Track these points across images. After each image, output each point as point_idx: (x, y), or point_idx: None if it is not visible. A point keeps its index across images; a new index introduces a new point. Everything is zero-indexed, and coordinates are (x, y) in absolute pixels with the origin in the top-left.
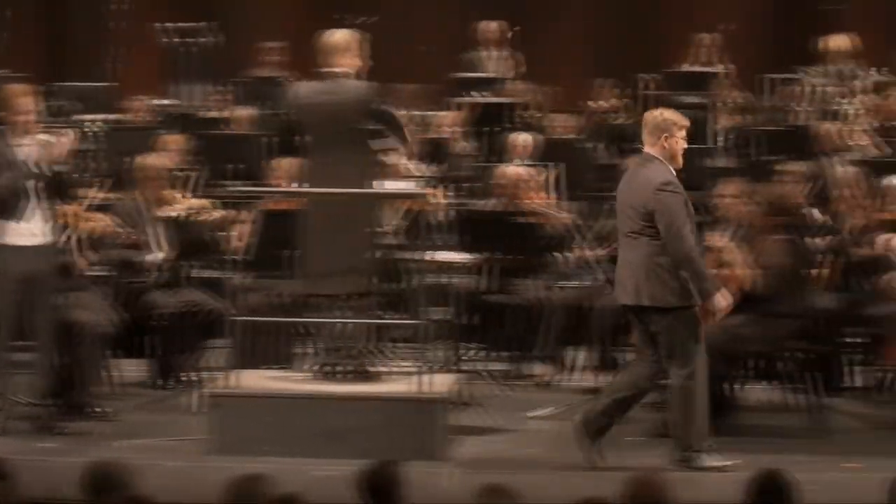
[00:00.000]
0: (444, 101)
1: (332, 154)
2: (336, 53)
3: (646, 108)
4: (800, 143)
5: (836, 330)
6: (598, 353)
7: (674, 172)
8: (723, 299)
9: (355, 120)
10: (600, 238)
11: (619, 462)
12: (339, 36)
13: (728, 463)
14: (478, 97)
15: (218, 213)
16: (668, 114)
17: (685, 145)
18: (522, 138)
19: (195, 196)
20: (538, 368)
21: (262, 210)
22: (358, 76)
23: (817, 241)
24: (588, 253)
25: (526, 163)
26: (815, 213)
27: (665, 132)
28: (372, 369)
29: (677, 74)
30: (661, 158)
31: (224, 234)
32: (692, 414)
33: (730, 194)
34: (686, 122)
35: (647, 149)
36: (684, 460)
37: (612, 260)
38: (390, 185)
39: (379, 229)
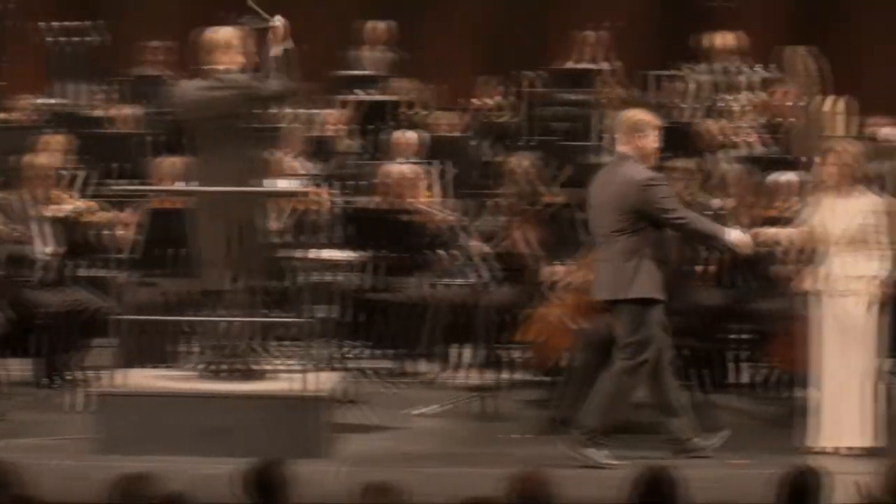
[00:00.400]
0: (328, 99)
1: (216, 152)
2: (218, 51)
3: (530, 106)
4: (685, 140)
5: (721, 326)
6: (482, 351)
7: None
8: (736, 233)
9: (240, 117)
10: (485, 235)
11: (505, 459)
12: (221, 34)
13: (616, 463)
14: (362, 95)
15: (104, 215)
16: (642, 114)
17: (657, 146)
18: (407, 136)
19: (82, 196)
20: (423, 366)
21: (148, 209)
22: (241, 73)
23: None
24: (474, 250)
25: (410, 161)
26: (715, 201)
27: (638, 132)
28: (257, 368)
29: (561, 72)
30: (634, 157)
31: (110, 233)
32: (614, 405)
33: None
34: (659, 123)
35: (620, 148)
36: (581, 442)
37: (498, 257)
38: (275, 184)
39: (264, 227)
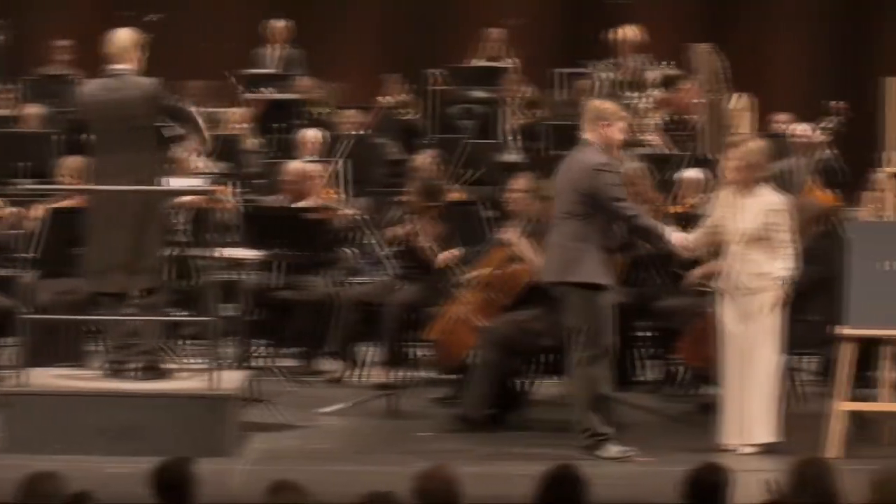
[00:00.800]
0: (232, 97)
1: (118, 151)
2: (120, 51)
3: (434, 104)
4: None
5: (626, 323)
6: (387, 349)
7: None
8: (677, 234)
9: (142, 117)
10: (390, 233)
11: (411, 457)
12: (122, 34)
13: (631, 452)
14: (266, 94)
15: (8, 212)
16: (609, 104)
17: (623, 138)
18: (311, 134)
19: None
20: (328, 364)
21: (51, 208)
22: (142, 73)
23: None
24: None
25: (314, 159)
26: None
27: (603, 120)
28: (162, 366)
29: (466, 69)
30: (597, 145)
31: (14, 232)
32: (594, 398)
33: (519, 189)
34: (626, 116)
35: (585, 135)
36: (589, 447)
37: (402, 255)
38: (179, 182)
39: (168, 226)
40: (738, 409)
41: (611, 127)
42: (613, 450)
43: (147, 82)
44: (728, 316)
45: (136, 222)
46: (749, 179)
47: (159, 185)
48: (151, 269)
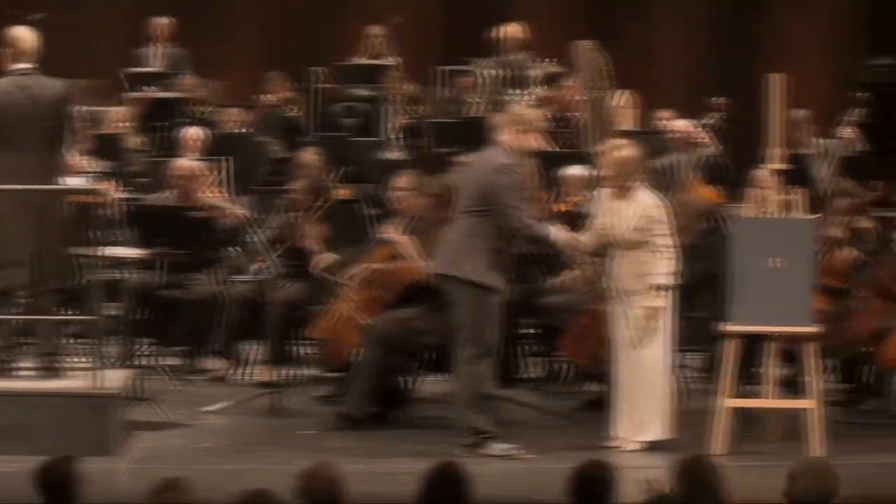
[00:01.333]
0: (115, 96)
1: (20, 150)
2: (26, 50)
3: (317, 102)
4: (473, 134)
5: (511, 321)
6: (271, 347)
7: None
8: (563, 234)
9: (53, 117)
10: (273, 231)
11: (295, 455)
12: (24, 32)
13: (514, 451)
14: (149, 92)
15: None
16: (528, 111)
17: (535, 147)
18: (193, 133)
19: None
20: (212, 363)
21: None
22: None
23: None
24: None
25: (198, 157)
26: None
27: (520, 126)
28: (48, 366)
29: (348, 67)
30: (508, 148)
31: None
32: (478, 396)
33: (403, 187)
34: (542, 125)
35: (499, 136)
36: (473, 445)
37: (286, 253)
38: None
39: (62, 226)
40: (627, 407)
41: (526, 134)
42: (497, 448)
43: (59, 83)
44: (616, 314)
45: (25, 221)
46: (622, 185)
47: (55, 184)
48: (56, 269)
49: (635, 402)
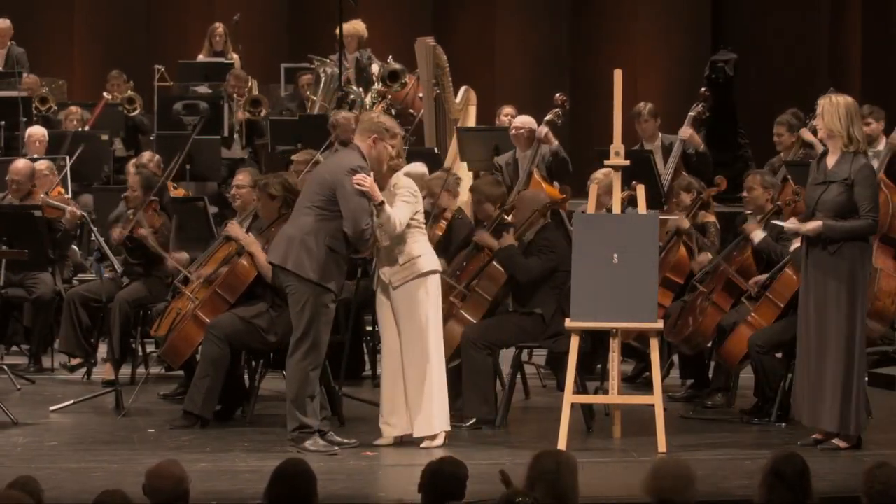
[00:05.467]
0: None
1: None
2: None
3: (160, 99)
4: (315, 131)
5: (358, 318)
6: (115, 346)
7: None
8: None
9: None
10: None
11: (141, 453)
12: None
13: (335, 448)
14: None
15: None
16: (385, 119)
17: (393, 154)
18: (36, 132)
19: None
20: (56, 362)
21: None
22: None
23: None
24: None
25: (40, 157)
26: None
27: (375, 134)
28: None
29: (190, 65)
30: (362, 153)
31: None
32: (305, 392)
33: (243, 184)
34: (399, 132)
35: (355, 140)
36: (294, 440)
37: (129, 251)
38: None
39: None
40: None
41: (382, 142)
42: (320, 442)
43: None
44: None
45: None
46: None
47: None
48: None
49: (411, 398)
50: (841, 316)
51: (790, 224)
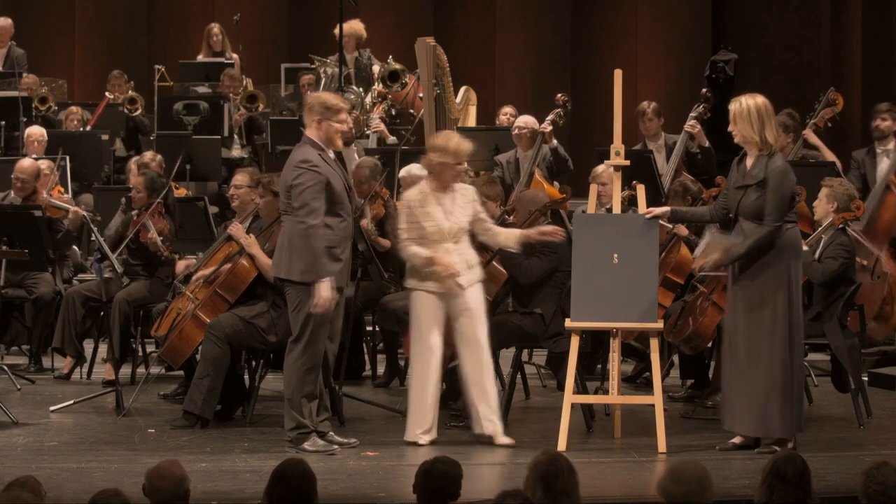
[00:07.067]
0: None
1: None
2: None
3: (161, 100)
4: None
5: (358, 319)
6: (116, 346)
7: (331, 154)
8: (325, 290)
9: None
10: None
11: (141, 453)
12: None
13: (334, 448)
14: None
15: None
16: (326, 97)
17: (343, 128)
18: (36, 132)
19: None
20: (57, 362)
21: None
22: None
23: None
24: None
25: (41, 156)
26: None
27: (319, 115)
28: None
29: (190, 65)
30: (315, 140)
31: None
32: (301, 392)
33: (242, 184)
34: (344, 105)
35: (306, 131)
36: (293, 441)
37: (130, 251)
38: None
39: None
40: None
41: (327, 122)
42: (319, 443)
43: None
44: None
45: None
46: (445, 180)
47: None
48: None
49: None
50: (777, 318)
51: (696, 263)
